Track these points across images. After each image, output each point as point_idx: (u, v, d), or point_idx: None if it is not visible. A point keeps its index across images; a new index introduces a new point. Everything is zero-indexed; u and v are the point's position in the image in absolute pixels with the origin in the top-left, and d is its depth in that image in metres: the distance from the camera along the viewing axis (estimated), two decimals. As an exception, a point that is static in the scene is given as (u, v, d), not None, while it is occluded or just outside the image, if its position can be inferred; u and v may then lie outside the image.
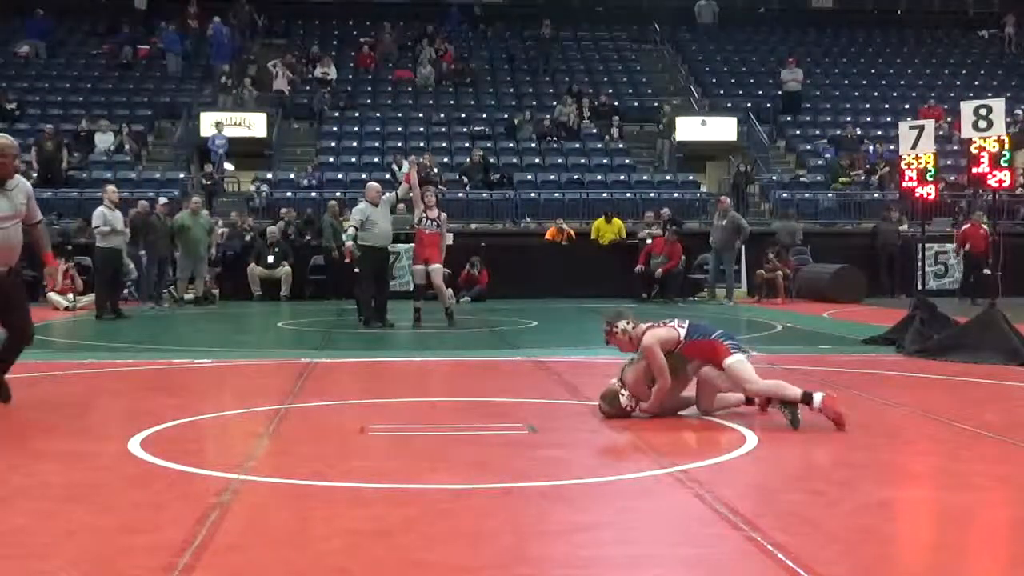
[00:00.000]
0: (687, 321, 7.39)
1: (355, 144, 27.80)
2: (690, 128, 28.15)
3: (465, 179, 25.44)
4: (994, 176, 11.20)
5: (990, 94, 22.21)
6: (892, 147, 23.68)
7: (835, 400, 6.88)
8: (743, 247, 21.33)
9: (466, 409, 7.88)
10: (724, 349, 7.11)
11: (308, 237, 22.18)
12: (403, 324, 15.09)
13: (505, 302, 20.04)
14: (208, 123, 26.66)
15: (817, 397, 6.82)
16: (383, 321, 14.95)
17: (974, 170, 11.52)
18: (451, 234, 19.69)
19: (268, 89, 29.02)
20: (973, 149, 11.35)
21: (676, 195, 25.20)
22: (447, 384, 9.42)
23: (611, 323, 7.42)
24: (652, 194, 25.05)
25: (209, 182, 24.43)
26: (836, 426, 6.74)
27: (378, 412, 7.69)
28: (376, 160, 26.71)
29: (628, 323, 7.38)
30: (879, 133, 28.76)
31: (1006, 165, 11.23)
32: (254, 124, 27.30)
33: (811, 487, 5.33)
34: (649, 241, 21.41)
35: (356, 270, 15.67)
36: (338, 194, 23.12)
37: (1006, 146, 11.22)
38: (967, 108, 11.49)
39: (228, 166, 26.32)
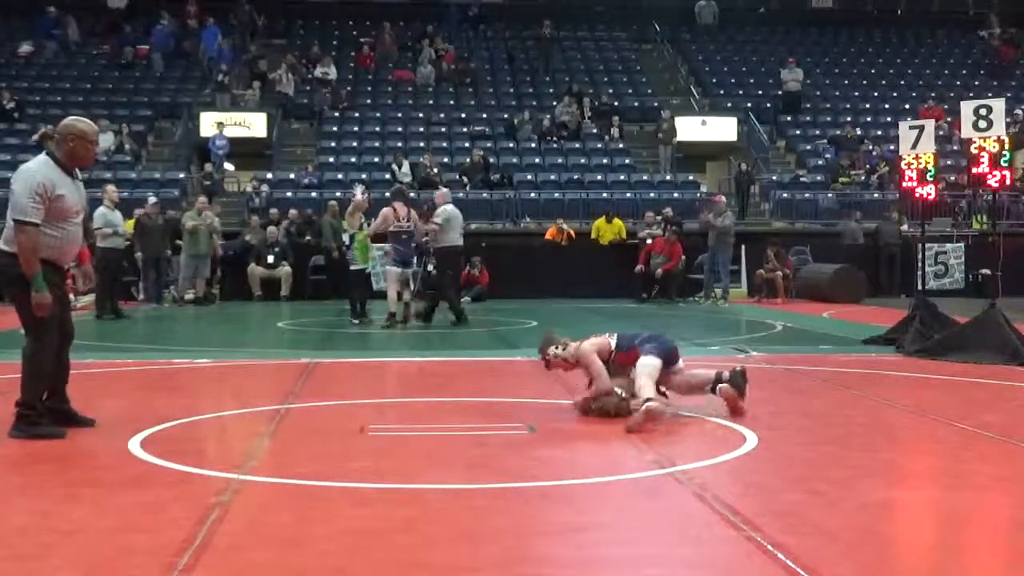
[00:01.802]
0: (616, 334, 7.59)
1: (355, 144, 27.81)
2: (690, 128, 28.18)
3: (465, 179, 25.47)
4: (994, 176, 11.21)
5: (990, 94, 22.23)
6: (892, 147, 23.69)
7: (740, 394, 7.25)
8: (742, 247, 21.32)
9: (466, 409, 7.88)
10: (639, 353, 7.30)
11: (308, 237, 22.18)
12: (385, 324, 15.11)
13: (505, 302, 20.06)
14: (208, 123, 26.67)
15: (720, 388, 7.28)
16: (459, 318, 15.31)
17: (974, 170, 11.53)
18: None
19: (271, 90, 29.03)
20: (973, 149, 11.36)
21: (676, 195, 25.22)
22: (447, 384, 9.41)
23: (542, 351, 7.65)
24: (652, 194, 25.08)
25: (209, 182, 24.43)
26: (732, 413, 7.20)
27: (378, 412, 7.69)
28: (376, 160, 26.72)
29: (558, 347, 7.59)
30: (879, 133, 28.78)
31: (1006, 165, 11.24)
32: (254, 124, 27.32)
33: (811, 487, 5.32)
34: (649, 241, 21.43)
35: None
36: (338, 194, 23.12)
37: (1006, 146, 11.23)
38: (967, 108, 11.50)
39: (228, 166, 26.34)
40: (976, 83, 31.30)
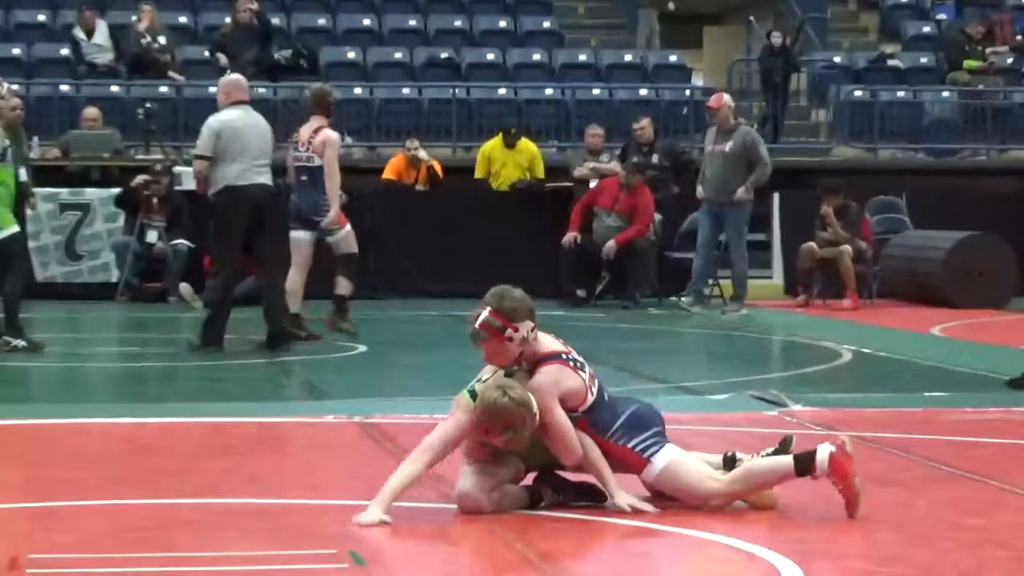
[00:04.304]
0: (597, 384, 7.99)
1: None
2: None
3: (223, 59, 25.28)
4: None
5: None
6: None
7: (848, 459, 7.43)
8: (774, 197, 21.62)
9: (228, 520, 7.89)
10: (636, 457, 7.78)
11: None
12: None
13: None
14: None
15: (823, 453, 7.43)
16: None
17: None
18: None
19: None
20: None
21: (645, 92, 25.37)
22: (192, 470, 9.41)
23: (508, 322, 7.85)
24: (597, 91, 25.22)
25: None
26: (846, 505, 7.38)
27: (48, 526, 7.66)
28: (43, 20, 26.53)
29: (533, 330, 7.87)
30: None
31: None
32: None
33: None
34: (593, 184, 21.47)
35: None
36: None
37: None
38: None
39: None
40: None
